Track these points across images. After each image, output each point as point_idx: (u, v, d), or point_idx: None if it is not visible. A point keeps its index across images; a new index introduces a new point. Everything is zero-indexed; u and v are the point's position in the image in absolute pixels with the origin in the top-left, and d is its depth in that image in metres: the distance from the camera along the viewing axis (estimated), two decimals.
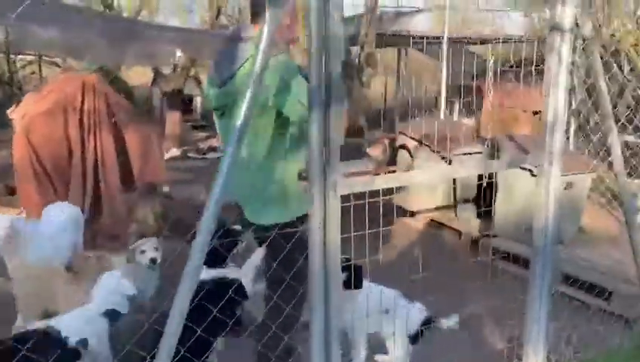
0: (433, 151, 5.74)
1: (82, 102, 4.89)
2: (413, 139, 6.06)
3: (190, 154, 9.90)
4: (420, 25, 10.10)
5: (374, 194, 2.25)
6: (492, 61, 5.29)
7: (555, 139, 2.62)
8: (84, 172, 4.89)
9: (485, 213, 5.21)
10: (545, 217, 2.70)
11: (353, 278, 2.98)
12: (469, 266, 4.79)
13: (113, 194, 4.96)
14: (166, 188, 5.58)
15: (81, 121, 4.88)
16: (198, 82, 13.99)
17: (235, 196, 2.85)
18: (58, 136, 4.81)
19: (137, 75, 15.27)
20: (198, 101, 13.83)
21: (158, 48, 11.20)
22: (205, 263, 2.68)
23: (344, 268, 2.77)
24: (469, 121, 7.45)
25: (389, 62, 12.80)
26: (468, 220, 5.54)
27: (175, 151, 10.08)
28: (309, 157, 2.04)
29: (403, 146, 6.30)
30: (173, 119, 10.71)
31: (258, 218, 2.72)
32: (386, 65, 12.66)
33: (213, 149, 10.18)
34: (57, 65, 14.64)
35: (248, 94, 1.92)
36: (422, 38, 8.75)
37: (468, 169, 2.52)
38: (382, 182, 2.21)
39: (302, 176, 2.10)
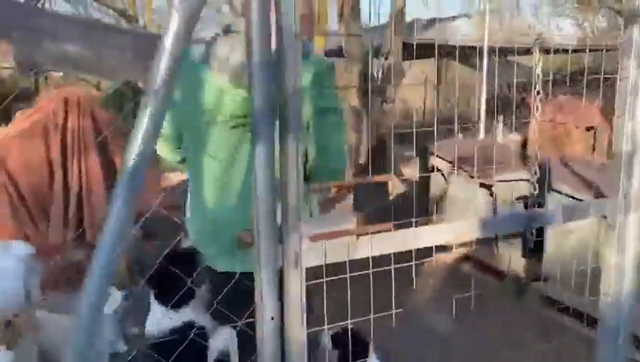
0: (471, 176, 4.94)
1: (65, 121, 4.32)
2: (446, 161, 5.27)
3: None
4: (459, 33, 9.30)
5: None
6: (539, 71, 4.47)
7: (634, 176, 1.84)
8: (65, 201, 4.31)
9: (534, 250, 4.38)
10: (618, 287, 1.90)
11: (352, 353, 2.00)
12: (515, 319, 3.96)
13: (99, 228, 4.35)
14: None
15: (63, 142, 4.31)
16: None
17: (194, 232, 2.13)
18: (37, 159, 4.24)
19: None
20: None
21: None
22: (168, 304, 1.99)
23: (337, 339, 2.05)
24: (515, 137, 6.60)
25: (428, 75, 12.00)
26: (512, 259, 4.68)
27: None
28: (255, 213, 1.33)
29: (437, 169, 5.52)
30: None
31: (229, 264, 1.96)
32: (427, 78, 11.88)
33: None
34: (87, 81, 14.44)
35: (148, 109, 1.24)
36: (461, 47, 7.98)
37: (505, 223, 1.76)
38: (369, 248, 1.48)
39: (243, 242, 1.38)
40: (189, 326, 1.93)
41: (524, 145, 6.12)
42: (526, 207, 4.43)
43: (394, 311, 1.76)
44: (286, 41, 1.27)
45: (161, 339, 1.93)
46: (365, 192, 4.64)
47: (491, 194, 4.80)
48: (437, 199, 5.53)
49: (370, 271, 1.64)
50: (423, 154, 5.57)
